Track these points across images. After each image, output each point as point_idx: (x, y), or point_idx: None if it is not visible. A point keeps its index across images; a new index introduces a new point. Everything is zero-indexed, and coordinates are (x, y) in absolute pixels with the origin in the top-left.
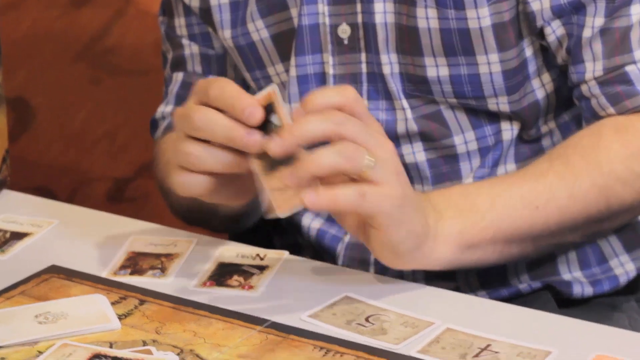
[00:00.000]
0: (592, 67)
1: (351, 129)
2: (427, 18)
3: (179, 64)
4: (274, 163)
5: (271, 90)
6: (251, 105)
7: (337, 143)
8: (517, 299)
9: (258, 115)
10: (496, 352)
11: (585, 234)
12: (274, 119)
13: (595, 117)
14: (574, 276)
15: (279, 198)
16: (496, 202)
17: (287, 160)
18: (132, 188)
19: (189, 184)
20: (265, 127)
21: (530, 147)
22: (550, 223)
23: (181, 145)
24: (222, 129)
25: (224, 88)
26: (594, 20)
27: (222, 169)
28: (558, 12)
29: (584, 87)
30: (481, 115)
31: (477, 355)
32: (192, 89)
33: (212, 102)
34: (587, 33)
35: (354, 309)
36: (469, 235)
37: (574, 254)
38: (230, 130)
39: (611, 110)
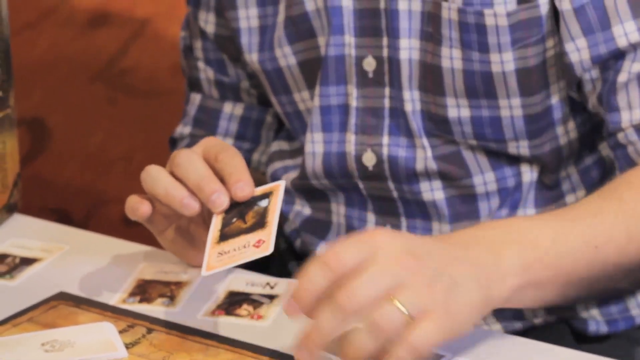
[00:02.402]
0: (629, 114)
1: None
2: (451, 58)
3: (195, 85)
4: (227, 230)
5: (280, 184)
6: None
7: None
8: (532, 331)
9: (224, 205)
10: None
11: (638, 279)
12: (262, 202)
13: (631, 164)
14: (590, 314)
15: (213, 259)
16: (557, 239)
17: (239, 231)
18: None
19: (130, 205)
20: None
21: (550, 192)
22: (609, 264)
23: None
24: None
25: (195, 170)
26: (632, 66)
27: (167, 199)
28: (597, 62)
29: (620, 135)
30: (501, 157)
31: None
32: (209, 114)
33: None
34: (622, 78)
35: None
36: (533, 272)
37: None
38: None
39: None
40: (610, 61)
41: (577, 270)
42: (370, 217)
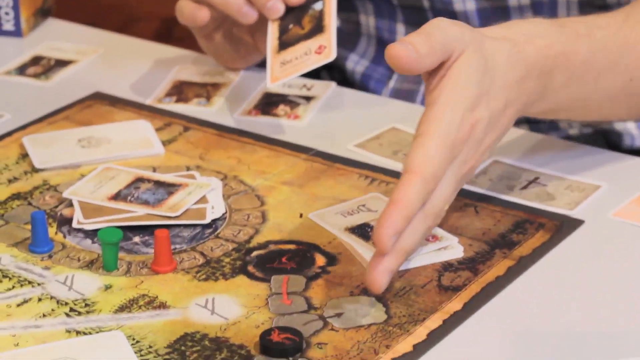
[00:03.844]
0: None
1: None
2: None
3: None
4: (286, 38)
5: None
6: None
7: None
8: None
9: (280, 11)
10: (544, 185)
11: None
12: (317, 5)
13: None
14: (626, 127)
15: (276, 69)
16: (593, 33)
17: (298, 37)
18: (180, 28)
19: (189, 11)
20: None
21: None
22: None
23: None
24: None
25: None
26: None
27: (224, 6)
28: None
29: None
30: None
31: (525, 187)
32: None
33: None
34: None
35: (401, 140)
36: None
37: None
38: None
39: None
40: None
41: (612, 63)
42: (400, 27)
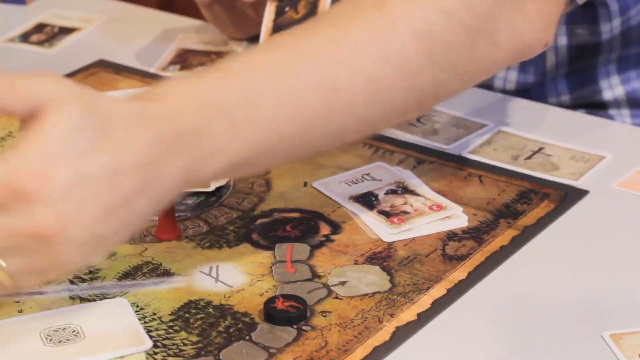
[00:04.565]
0: None
1: None
2: None
3: None
4: (280, 21)
5: None
6: None
7: None
8: None
9: None
10: (549, 155)
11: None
12: None
13: None
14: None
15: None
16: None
17: (291, 22)
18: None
19: None
20: None
21: None
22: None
23: None
24: None
25: None
26: None
27: None
28: None
29: None
30: None
31: (529, 158)
32: None
33: None
34: None
35: None
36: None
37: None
38: None
39: None
40: None
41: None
42: None
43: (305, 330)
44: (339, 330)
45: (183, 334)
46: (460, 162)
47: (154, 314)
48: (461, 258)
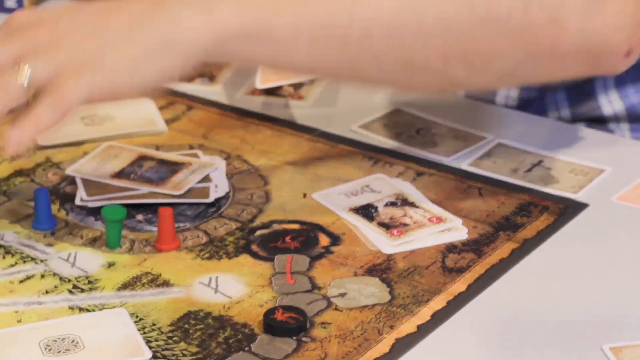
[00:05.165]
0: None
1: None
2: None
3: None
4: None
5: None
6: None
7: None
8: None
9: None
10: (548, 168)
11: None
12: None
13: None
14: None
15: (268, 71)
16: None
17: None
18: None
19: None
20: None
21: None
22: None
23: None
24: None
25: None
26: None
27: None
28: None
29: None
30: None
31: (529, 170)
32: None
33: None
34: None
35: (405, 121)
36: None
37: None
38: None
39: None
40: None
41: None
42: None
43: (305, 342)
44: (339, 342)
45: (182, 344)
46: (460, 175)
47: (154, 324)
48: (461, 270)
